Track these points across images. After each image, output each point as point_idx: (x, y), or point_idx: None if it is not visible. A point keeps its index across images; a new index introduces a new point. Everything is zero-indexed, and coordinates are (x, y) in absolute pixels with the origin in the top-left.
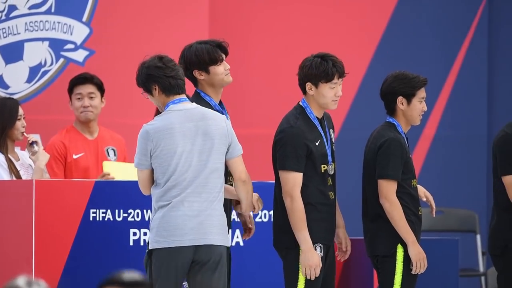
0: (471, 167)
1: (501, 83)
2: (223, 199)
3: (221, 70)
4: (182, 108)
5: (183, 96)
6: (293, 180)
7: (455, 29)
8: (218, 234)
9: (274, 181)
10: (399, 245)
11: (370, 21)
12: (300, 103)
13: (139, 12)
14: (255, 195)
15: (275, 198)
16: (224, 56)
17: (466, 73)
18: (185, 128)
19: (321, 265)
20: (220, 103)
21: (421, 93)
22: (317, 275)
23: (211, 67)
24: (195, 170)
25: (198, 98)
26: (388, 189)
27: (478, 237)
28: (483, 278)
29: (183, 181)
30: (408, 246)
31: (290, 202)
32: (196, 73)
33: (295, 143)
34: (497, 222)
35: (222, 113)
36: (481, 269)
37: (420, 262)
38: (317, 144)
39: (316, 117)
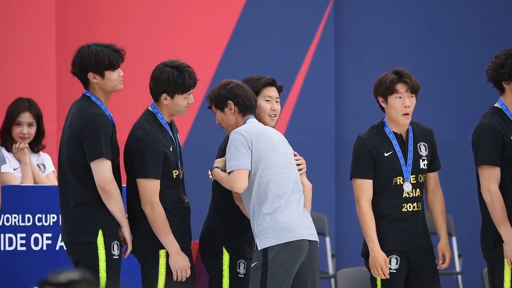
0: (319, 171)
1: (348, 85)
2: None
3: (115, 77)
4: None
5: None
6: (152, 188)
7: (302, 32)
8: None
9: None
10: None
11: (218, 23)
12: (150, 108)
13: None
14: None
15: (129, 204)
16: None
17: (314, 76)
18: None
19: (189, 265)
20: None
21: (266, 91)
22: (187, 276)
23: (107, 72)
24: None
25: (88, 101)
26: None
27: (328, 239)
28: (332, 280)
29: None
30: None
31: (151, 209)
32: (91, 76)
33: (153, 150)
34: None
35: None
36: (331, 271)
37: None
38: (171, 149)
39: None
